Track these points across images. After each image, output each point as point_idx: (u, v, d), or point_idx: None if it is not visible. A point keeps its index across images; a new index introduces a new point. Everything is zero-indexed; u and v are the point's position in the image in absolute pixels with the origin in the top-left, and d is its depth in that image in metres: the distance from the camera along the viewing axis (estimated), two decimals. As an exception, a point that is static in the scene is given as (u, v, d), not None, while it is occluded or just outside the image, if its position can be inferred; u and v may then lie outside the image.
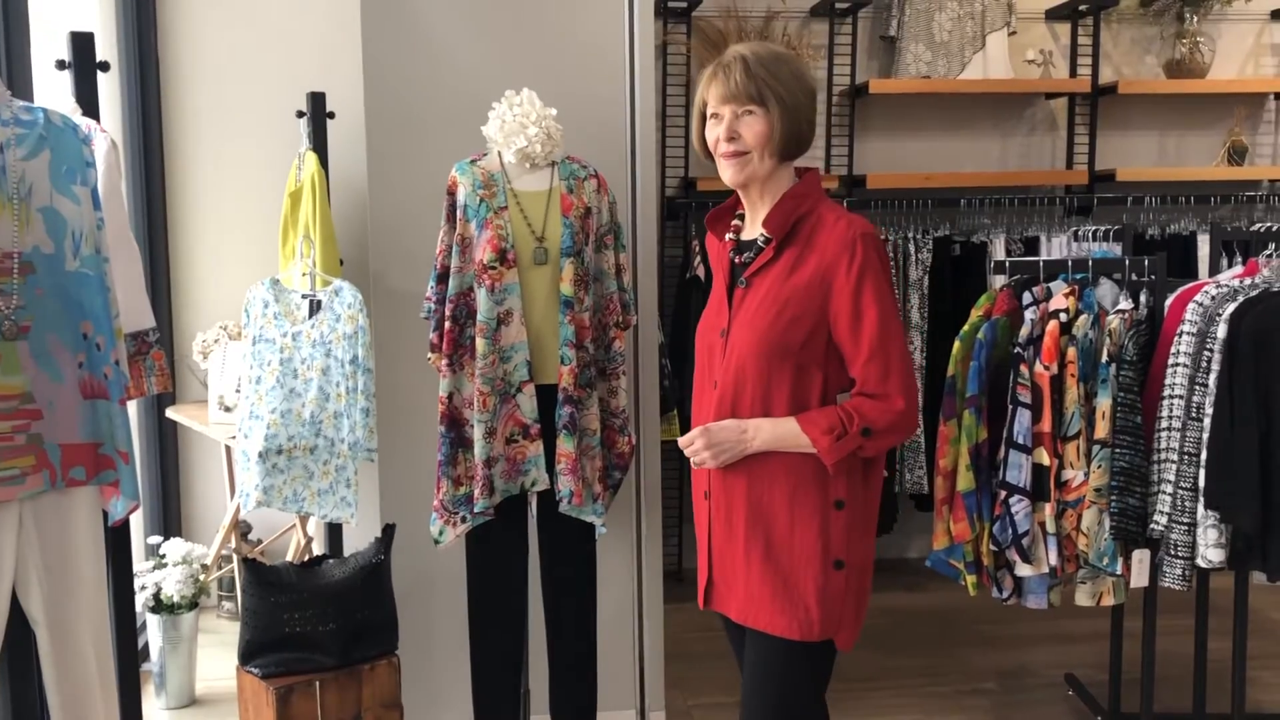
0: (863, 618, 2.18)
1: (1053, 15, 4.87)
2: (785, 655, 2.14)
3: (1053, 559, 2.91)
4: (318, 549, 4.03)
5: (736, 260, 2.18)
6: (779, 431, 2.07)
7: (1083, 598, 3.02)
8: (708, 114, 2.14)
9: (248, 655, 2.78)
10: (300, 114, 3.92)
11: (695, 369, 2.26)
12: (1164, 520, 2.87)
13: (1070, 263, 3.09)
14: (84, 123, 2.54)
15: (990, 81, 4.70)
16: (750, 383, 2.11)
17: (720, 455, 2.11)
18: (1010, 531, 2.91)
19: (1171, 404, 2.88)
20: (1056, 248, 4.50)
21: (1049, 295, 3.05)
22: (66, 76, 2.68)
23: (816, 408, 2.09)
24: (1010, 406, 2.93)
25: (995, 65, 4.74)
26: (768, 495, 2.11)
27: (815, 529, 2.09)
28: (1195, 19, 4.79)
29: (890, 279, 2.10)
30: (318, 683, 2.74)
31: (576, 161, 2.77)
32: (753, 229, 2.18)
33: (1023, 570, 2.95)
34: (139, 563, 3.45)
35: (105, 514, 2.34)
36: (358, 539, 3.12)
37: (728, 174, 2.12)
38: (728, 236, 2.21)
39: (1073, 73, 4.87)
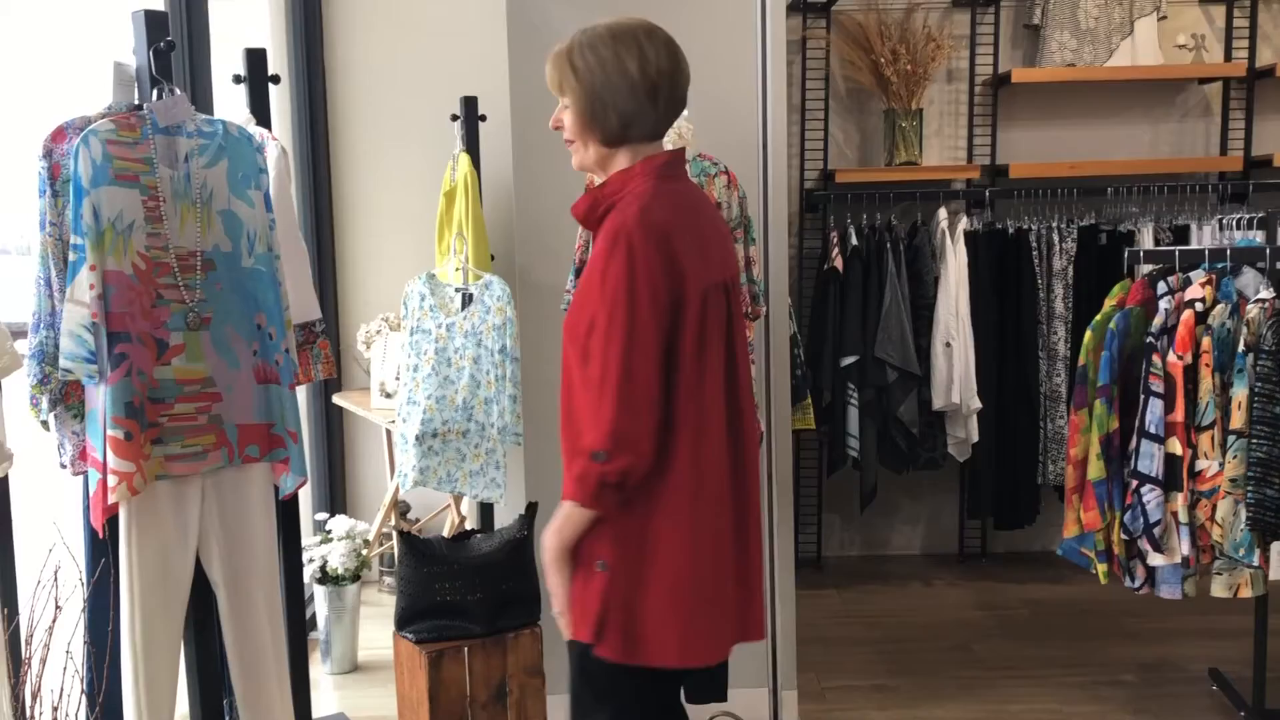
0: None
1: (1206, -3, 4.75)
2: None
3: (1185, 549, 2.90)
4: (471, 528, 4.24)
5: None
6: (557, 524, 2.01)
7: (1219, 589, 2.99)
8: None
9: (403, 621, 3.00)
10: (454, 117, 4.14)
11: None
12: (1304, 512, 2.82)
13: (1208, 252, 3.06)
14: (257, 132, 2.78)
15: (1139, 69, 4.63)
16: (568, 371, 2.05)
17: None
18: (1142, 520, 2.91)
19: (1313, 394, 2.83)
20: (1208, 236, 4.40)
21: (1185, 285, 3.03)
22: (242, 89, 2.94)
23: None
24: (1142, 396, 2.93)
25: (1144, 51, 4.65)
26: None
27: None
28: (1362, -4, 4.61)
29: (643, 275, 1.90)
30: (466, 649, 2.94)
31: (708, 159, 2.89)
32: None
33: (1155, 559, 2.95)
34: (307, 537, 3.72)
35: (276, 489, 2.58)
36: (510, 518, 3.31)
37: (573, 161, 2.12)
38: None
39: (1228, 56, 4.74)
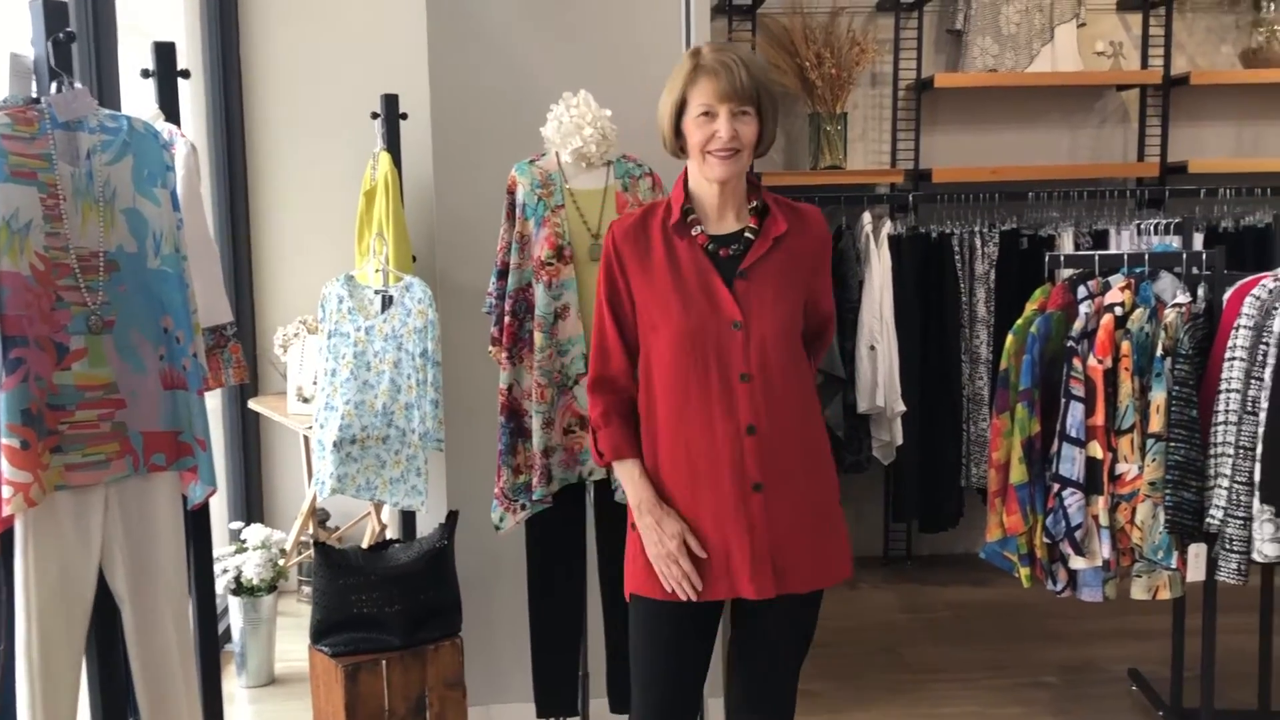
0: None
1: (1124, 6, 4.83)
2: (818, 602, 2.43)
3: (1106, 552, 2.92)
4: (393, 536, 4.16)
5: (722, 254, 2.21)
6: None
7: (1138, 591, 3.02)
8: (692, 109, 2.17)
9: (318, 635, 2.91)
10: (374, 115, 4.05)
11: (676, 373, 2.19)
12: (1220, 514, 2.86)
13: (1127, 257, 3.09)
14: (165, 128, 2.68)
15: (1059, 74, 4.69)
16: (785, 368, 2.19)
17: None
18: (1063, 524, 2.93)
19: (1228, 398, 2.86)
20: (1126, 240, 4.47)
21: (1105, 289, 3.06)
22: (151, 84, 2.83)
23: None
24: (1063, 400, 2.94)
25: (1064, 58, 4.71)
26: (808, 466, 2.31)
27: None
28: (1273, 7, 4.72)
29: None
30: (384, 662, 2.87)
31: (632, 160, 2.85)
32: (719, 223, 2.24)
33: (1076, 563, 2.97)
34: (221, 547, 3.61)
35: (185, 498, 2.48)
36: (432, 526, 3.24)
37: (719, 171, 2.16)
38: (696, 231, 2.22)
39: (1144, 64, 4.82)
